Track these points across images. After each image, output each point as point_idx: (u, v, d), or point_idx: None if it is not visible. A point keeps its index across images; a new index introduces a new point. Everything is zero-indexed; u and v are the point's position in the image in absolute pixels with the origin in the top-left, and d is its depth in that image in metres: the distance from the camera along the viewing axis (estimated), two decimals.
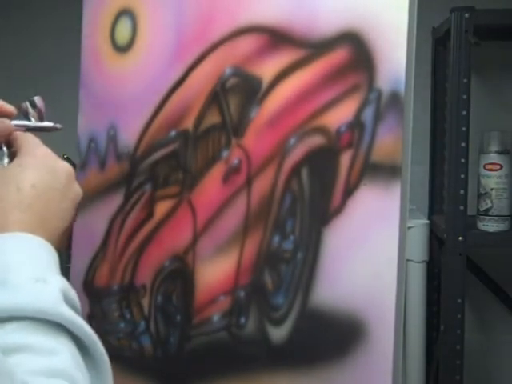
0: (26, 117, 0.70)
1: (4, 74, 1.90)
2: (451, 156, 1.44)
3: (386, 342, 0.54)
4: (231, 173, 0.58)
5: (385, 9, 0.56)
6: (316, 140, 0.59)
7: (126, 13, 0.71)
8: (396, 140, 0.55)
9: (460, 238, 1.43)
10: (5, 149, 0.67)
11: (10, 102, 0.64)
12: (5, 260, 0.55)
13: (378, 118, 0.56)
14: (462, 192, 1.42)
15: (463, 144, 1.41)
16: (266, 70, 0.61)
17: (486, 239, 1.50)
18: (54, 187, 0.62)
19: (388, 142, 0.55)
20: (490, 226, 1.50)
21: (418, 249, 1.61)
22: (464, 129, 1.41)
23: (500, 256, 1.74)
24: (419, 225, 1.61)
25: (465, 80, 1.40)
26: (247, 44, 0.61)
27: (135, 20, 0.70)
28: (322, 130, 0.58)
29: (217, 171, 0.57)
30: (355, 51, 0.57)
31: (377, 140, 0.56)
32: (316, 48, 0.57)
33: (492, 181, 1.49)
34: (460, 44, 1.40)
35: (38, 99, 0.71)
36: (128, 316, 0.69)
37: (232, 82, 0.62)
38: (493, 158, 1.49)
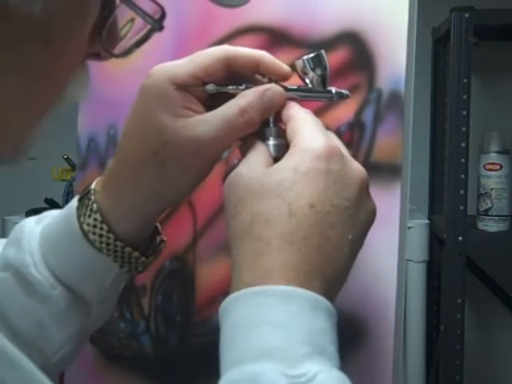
0: (302, 80, 0.51)
1: None
2: (451, 156, 1.44)
3: (386, 341, 0.54)
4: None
5: (385, 9, 0.56)
6: None
7: None
8: (396, 140, 0.55)
9: (460, 238, 1.43)
10: (272, 126, 0.49)
11: None
12: (258, 337, 0.39)
13: (378, 118, 0.56)
14: (461, 192, 1.42)
15: (463, 144, 1.41)
16: None
17: (486, 239, 1.51)
18: (340, 207, 0.43)
19: (388, 142, 0.55)
20: (490, 226, 1.50)
21: (418, 249, 1.61)
22: (464, 129, 1.41)
23: (500, 256, 1.75)
24: (419, 225, 1.61)
25: (465, 80, 1.40)
26: (247, 44, 0.61)
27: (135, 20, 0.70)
28: None
29: (217, 171, 0.57)
30: (355, 51, 0.57)
31: (377, 140, 0.56)
32: (316, 48, 0.57)
33: (492, 181, 1.49)
34: (460, 44, 1.40)
35: (321, 55, 0.51)
36: (128, 316, 0.70)
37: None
38: (493, 158, 1.50)
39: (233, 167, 0.49)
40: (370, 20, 0.57)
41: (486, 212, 1.50)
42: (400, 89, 0.55)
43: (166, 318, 0.67)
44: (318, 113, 0.58)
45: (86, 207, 0.53)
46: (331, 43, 0.58)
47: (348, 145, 0.57)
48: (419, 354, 1.62)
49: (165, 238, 0.58)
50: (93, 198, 0.53)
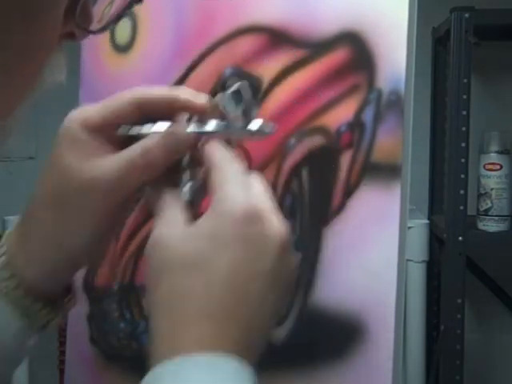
0: (223, 114, 0.48)
1: None
2: (451, 156, 1.44)
3: (386, 342, 0.54)
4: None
5: (385, 9, 0.56)
6: (316, 140, 0.59)
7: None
8: (396, 140, 0.55)
9: (460, 238, 1.43)
10: (187, 169, 0.48)
11: None
12: None
13: (378, 118, 0.56)
14: (462, 192, 1.42)
15: (463, 144, 1.41)
16: (266, 70, 0.61)
17: (486, 239, 1.51)
18: (260, 273, 0.41)
19: (388, 142, 0.55)
20: (490, 226, 1.50)
21: (418, 249, 1.61)
22: (464, 129, 1.41)
23: (500, 256, 1.74)
24: (419, 225, 1.61)
25: (465, 80, 1.40)
26: (247, 44, 0.61)
27: (135, 20, 0.70)
28: (322, 130, 0.58)
29: None
30: (355, 51, 0.57)
31: (377, 140, 0.56)
32: (316, 48, 0.57)
33: (492, 181, 1.49)
34: (460, 44, 1.40)
35: (241, 90, 0.48)
36: (128, 316, 0.70)
37: (232, 82, 0.62)
38: (493, 158, 1.49)
39: None
40: (370, 20, 0.57)
41: (486, 212, 1.50)
42: (400, 89, 0.55)
43: None
44: (319, 113, 0.58)
45: None
46: (331, 43, 0.58)
47: (348, 145, 0.57)
48: (419, 354, 1.62)
49: (74, 299, 0.54)
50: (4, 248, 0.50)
